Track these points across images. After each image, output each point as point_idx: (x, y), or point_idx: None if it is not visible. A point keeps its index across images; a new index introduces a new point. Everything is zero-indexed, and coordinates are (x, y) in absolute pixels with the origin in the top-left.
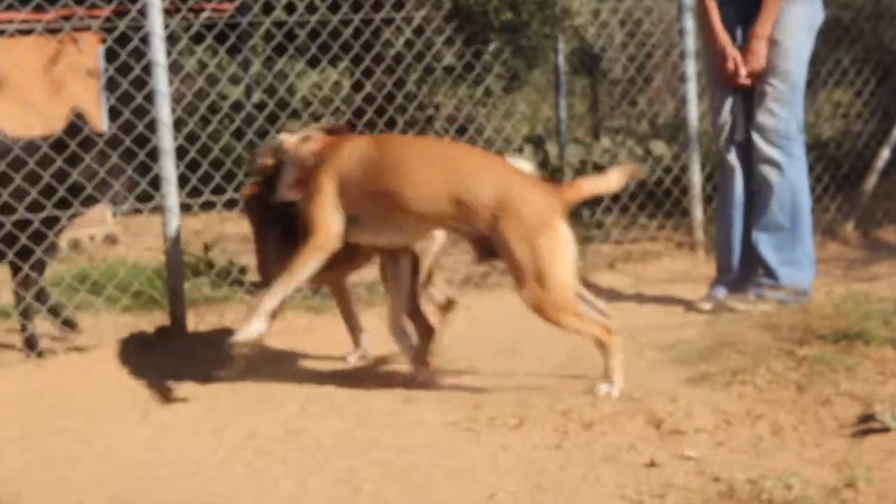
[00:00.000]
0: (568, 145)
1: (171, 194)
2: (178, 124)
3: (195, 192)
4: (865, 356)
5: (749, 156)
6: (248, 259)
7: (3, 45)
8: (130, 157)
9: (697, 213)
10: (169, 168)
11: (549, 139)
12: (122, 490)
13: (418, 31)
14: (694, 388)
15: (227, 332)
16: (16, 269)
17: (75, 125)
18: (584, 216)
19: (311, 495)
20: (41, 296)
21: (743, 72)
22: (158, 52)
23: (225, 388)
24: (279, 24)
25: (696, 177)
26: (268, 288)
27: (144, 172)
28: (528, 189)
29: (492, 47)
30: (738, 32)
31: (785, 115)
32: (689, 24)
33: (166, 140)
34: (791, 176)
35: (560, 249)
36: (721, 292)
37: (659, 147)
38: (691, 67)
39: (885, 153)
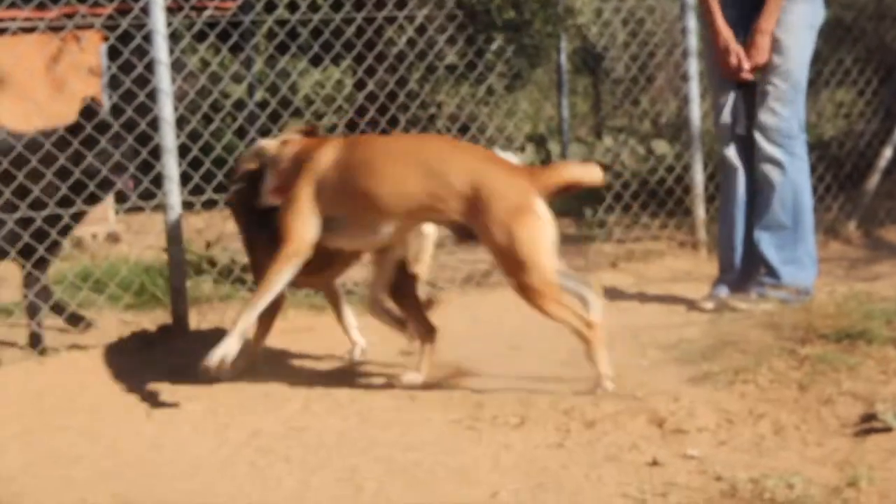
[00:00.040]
0: (570, 144)
1: (174, 192)
2: (180, 122)
3: (197, 190)
4: (868, 355)
5: (751, 155)
6: None
7: (5, 43)
8: (133, 154)
9: (700, 212)
10: (171, 166)
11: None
12: (125, 487)
13: (421, 29)
14: (696, 387)
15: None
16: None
17: (91, 108)
18: (586, 215)
19: (314, 493)
20: (44, 293)
21: (746, 66)
22: (161, 50)
23: (227, 387)
24: (282, 23)
25: (698, 176)
26: (244, 305)
27: (147, 170)
28: (502, 174)
29: (494, 46)
30: (739, 34)
31: (787, 115)
32: (692, 23)
33: (169, 138)
34: (793, 175)
35: (538, 233)
36: (723, 291)
37: (661, 146)
38: (694, 66)
39: (887, 152)
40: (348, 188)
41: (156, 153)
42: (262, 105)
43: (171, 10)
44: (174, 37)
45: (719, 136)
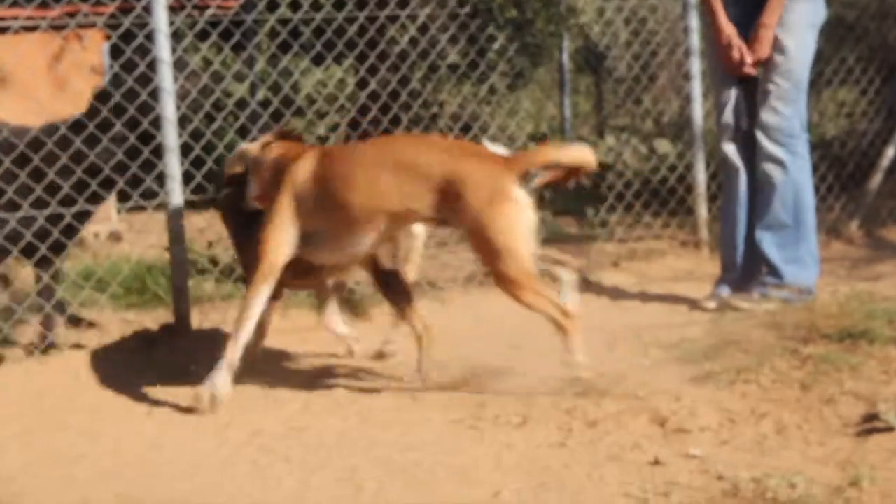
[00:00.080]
0: None
1: (176, 191)
2: (182, 121)
3: (200, 189)
4: (870, 355)
5: (753, 154)
6: None
7: (7, 42)
8: (135, 153)
9: (702, 211)
10: (173, 165)
11: (554, 137)
12: (127, 487)
13: (423, 28)
14: (698, 386)
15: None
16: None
17: (106, 92)
18: (588, 214)
19: (314, 493)
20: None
21: (749, 60)
22: (163, 49)
23: None
24: (284, 22)
25: (700, 175)
26: (229, 339)
27: (149, 169)
28: (475, 162)
29: (496, 45)
30: (741, 32)
31: (788, 114)
32: (694, 21)
33: (171, 137)
34: (795, 174)
35: (515, 220)
36: (725, 291)
37: (663, 145)
38: (696, 65)
39: (890, 152)
40: (326, 203)
41: (158, 152)
42: (265, 104)
43: (174, 9)
44: (176, 35)
45: (721, 135)
